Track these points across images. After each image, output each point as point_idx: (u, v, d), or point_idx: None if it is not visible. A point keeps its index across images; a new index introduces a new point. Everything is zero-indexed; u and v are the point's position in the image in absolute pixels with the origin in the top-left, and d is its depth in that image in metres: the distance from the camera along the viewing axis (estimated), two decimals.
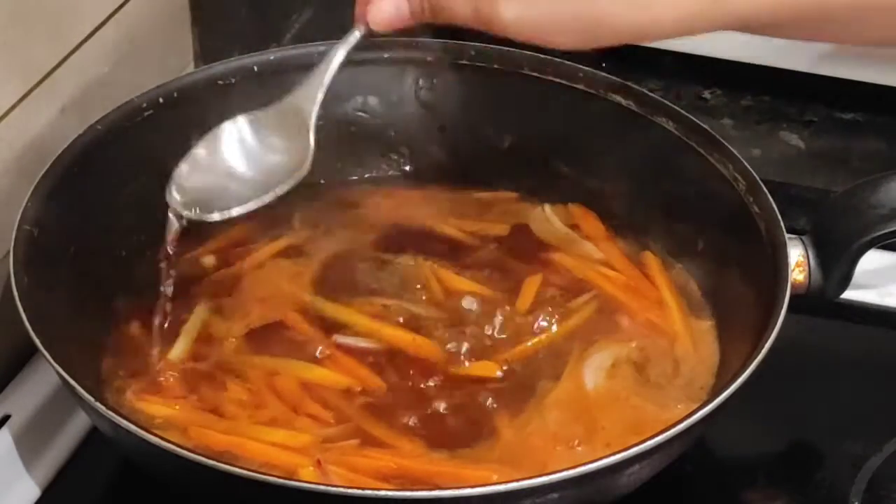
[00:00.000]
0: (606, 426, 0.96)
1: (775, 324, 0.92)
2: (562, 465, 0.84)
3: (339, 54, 0.96)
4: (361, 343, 1.01)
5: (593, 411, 0.97)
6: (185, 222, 0.95)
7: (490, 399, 0.98)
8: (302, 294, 1.05)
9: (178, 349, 1.00)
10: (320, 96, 0.96)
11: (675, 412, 0.95)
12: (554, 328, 1.03)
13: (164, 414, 0.95)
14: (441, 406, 0.97)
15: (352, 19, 0.97)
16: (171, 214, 0.96)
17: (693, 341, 1.03)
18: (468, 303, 1.04)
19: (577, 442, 0.95)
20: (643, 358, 1.02)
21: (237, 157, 0.97)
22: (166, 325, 1.01)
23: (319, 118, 1.13)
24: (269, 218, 1.12)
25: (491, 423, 0.96)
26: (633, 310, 1.05)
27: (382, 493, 0.83)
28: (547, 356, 1.01)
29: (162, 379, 0.98)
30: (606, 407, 0.98)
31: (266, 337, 1.01)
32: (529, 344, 1.01)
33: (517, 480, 0.83)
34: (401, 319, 1.03)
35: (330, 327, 1.02)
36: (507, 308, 1.04)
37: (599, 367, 1.00)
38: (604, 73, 1.12)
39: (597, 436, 0.95)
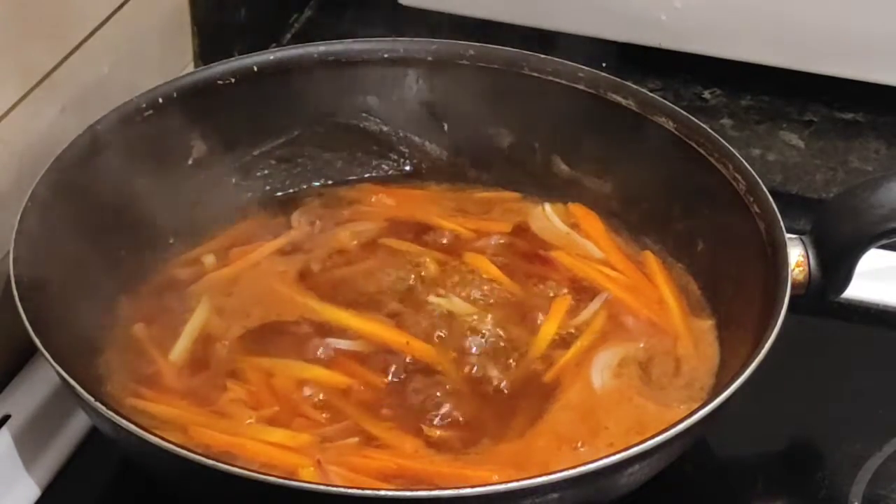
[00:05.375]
0: (610, 426, 0.96)
1: (775, 324, 0.92)
2: (564, 466, 0.84)
3: None
4: (355, 347, 1.01)
5: (598, 412, 0.97)
6: None
7: (495, 401, 0.98)
8: (300, 295, 1.05)
9: (178, 349, 1.00)
10: None
11: (677, 412, 0.95)
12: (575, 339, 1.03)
13: (164, 414, 0.95)
14: (443, 407, 0.97)
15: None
16: None
17: (694, 341, 1.03)
18: (473, 315, 1.04)
19: (580, 443, 0.95)
20: (647, 357, 1.02)
21: None
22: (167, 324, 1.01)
23: (320, 119, 1.14)
24: (269, 217, 1.13)
25: (496, 424, 0.96)
26: (634, 309, 1.05)
27: (382, 493, 0.83)
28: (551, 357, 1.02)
29: (162, 379, 0.98)
30: (611, 407, 0.98)
31: (265, 337, 1.01)
32: (561, 362, 1.01)
33: (517, 480, 0.83)
34: (395, 318, 1.03)
35: (327, 328, 1.02)
36: (518, 322, 1.04)
37: (606, 366, 1.00)
38: (604, 73, 1.12)
39: (600, 436, 0.95)
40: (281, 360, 0.99)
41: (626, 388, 0.99)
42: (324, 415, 0.96)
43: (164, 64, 1.21)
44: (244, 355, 1.00)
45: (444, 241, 1.10)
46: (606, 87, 1.11)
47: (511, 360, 1.01)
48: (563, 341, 1.02)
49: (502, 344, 1.02)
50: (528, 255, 1.10)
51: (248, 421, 0.95)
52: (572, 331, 1.03)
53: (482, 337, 1.02)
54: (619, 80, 1.11)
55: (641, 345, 1.03)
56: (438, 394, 0.97)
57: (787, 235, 0.99)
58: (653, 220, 1.10)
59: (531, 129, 1.14)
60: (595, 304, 1.05)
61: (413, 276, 1.07)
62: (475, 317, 1.03)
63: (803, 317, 0.98)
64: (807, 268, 0.99)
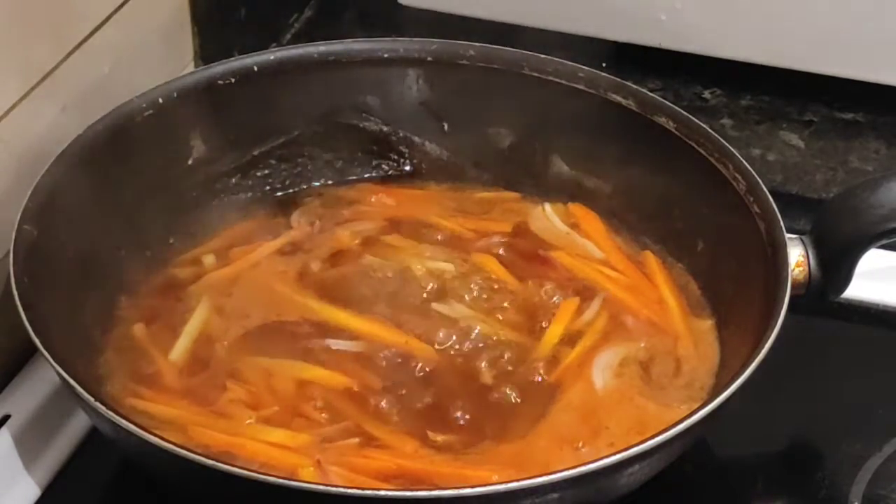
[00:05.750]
0: (610, 426, 0.96)
1: (775, 324, 0.92)
2: (565, 466, 0.84)
3: None
4: (355, 347, 1.00)
5: (599, 412, 0.97)
6: None
7: (496, 401, 0.98)
8: (300, 295, 1.05)
9: (178, 349, 1.00)
10: None
11: (678, 412, 0.95)
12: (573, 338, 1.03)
13: (164, 414, 0.95)
14: (443, 407, 0.97)
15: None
16: None
17: (694, 341, 1.03)
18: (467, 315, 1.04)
19: (581, 443, 0.95)
20: (647, 357, 1.02)
21: None
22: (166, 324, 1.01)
23: (320, 119, 1.14)
24: (269, 217, 1.13)
25: (497, 425, 0.96)
26: (634, 309, 1.05)
27: (382, 493, 0.83)
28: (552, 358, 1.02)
29: (161, 379, 0.98)
30: (612, 407, 0.98)
31: (265, 337, 1.01)
32: (566, 362, 1.01)
33: (517, 480, 0.83)
34: (394, 318, 1.03)
35: (327, 328, 1.02)
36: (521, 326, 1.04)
37: (608, 366, 1.00)
38: (604, 73, 1.12)
39: (600, 436, 0.95)
40: (280, 361, 0.99)
41: (627, 388, 0.99)
42: (323, 415, 0.96)
43: (164, 64, 1.21)
44: (244, 355, 1.00)
45: (444, 240, 1.11)
46: (606, 87, 1.11)
47: (512, 361, 1.00)
48: (565, 342, 1.02)
49: (503, 345, 1.02)
50: (528, 255, 1.10)
51: (248, 421, 0.95)
52: (573, 332, 1.03)
53: (483, 337, 1.02)
54: (619, 80, 1.11)
55: (642, 345, 1.03)
56: (439, 394, 0.97)
57: (787, 235, 0.99)
58: (653, 220, 1.10)
59: (531, 129, 1.14)
60: (595, 305, 1.05)
61: (414, 276, 1.07)
62: (475, 318, 1.03)
63: (803, 317, 0.98)
64: (807, 268, 0.99)
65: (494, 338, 1.02)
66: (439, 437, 0.95)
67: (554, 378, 1.00)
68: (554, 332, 1.02)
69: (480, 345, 1.01)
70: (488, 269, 1.07)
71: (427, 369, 0.99)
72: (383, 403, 0.97)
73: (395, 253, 1.09)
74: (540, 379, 0.99)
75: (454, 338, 1.01)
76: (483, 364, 1.00)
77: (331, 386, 0.98)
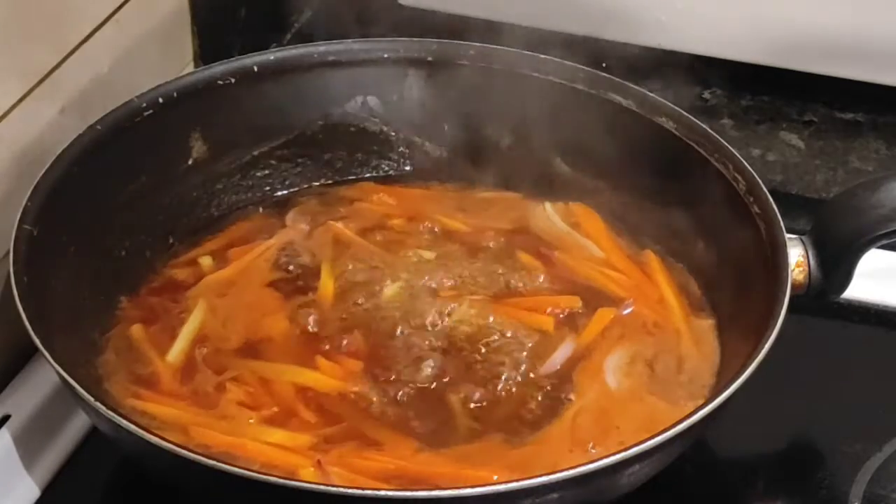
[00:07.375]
0: (620, 426, 0.96)
1: (775, 324, 0.92)
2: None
3: None
4: (353, 348, 1.00)
5: (611, 412, 0.97)
6: None
7: (504, 405, 0.98)
8: (294, 298, 1.05)
9: (176, 350, 1.00)
10: None
11: (685, 410, 0.94)
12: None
13: (164, 414, 0.95)
14: (447, 409, 0.97)
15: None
16: None
17: (695, 340, 1.03)
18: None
19: (592, 444, 0.95)
20: (652, 357, 1.02)
21: None
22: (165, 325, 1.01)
23: (320, 119, 1.14)
24: (269, 217, 1.13)
25: (507, 428, 0.96)
26: (636, 309, 1.05)
27: (382, 493, 0.83)
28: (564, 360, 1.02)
29: (160, 380, 0.98)
30: (622, 406, 0.98)
31: (260, 340, 1.01)
32: (578, 366, 1.01)
33: (517, 480, 0.83)
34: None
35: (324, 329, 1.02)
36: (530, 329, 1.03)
37: (618, 366, 1.00)
38: (604, 73, 1.12)
39: (611, 436, 0.95)
40: (275, 365, 0.99)
41: (637, 387, 0.99)
42: (322, 417, 0.96)
43: (164, 64, 1.21)
44: (240, 359, 1.00)
45: (446, 237, 1.11)
46: (606, 87, 1.11)
47: (527, 364, 1.00)
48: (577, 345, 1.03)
49: (516, 346, 1.01)
50: (529, 254, 1.10)
51: (250, 421, 0.95)
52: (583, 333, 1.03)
53: (490, 340, 1.02)
54: (619, 80, 1.11)
55: (646, 345, 1.03)
56: (443, 396, 0.97)
57: (787, 235, 0.99)
58: (653, 220, 1.10)
59: (531, 129, 1.14)
60: (603, 310, 1.05)
61: (413, 270, 1.07)
62: (481, 319, 1.03)
63: (803, 317, 0.98)
64: (807, 268, 0.99)
65: (506, 340, 1.02)
66: (446, 440, 0.95)
67: (568, 380, 0.99)
68: (585, 337, 1.02)
69: (492, 347, 1.01)
70: (505, 268, 1.07)
71: (434, 372, 0.99)
72: (384, 405, 0.97)
73: (395, 248, 1.09)
74: (549, 381, 0.99)
75: (464, 339, 1.01)
76: (491, 366, 1.00)
77: (327, 390, 0.98)
